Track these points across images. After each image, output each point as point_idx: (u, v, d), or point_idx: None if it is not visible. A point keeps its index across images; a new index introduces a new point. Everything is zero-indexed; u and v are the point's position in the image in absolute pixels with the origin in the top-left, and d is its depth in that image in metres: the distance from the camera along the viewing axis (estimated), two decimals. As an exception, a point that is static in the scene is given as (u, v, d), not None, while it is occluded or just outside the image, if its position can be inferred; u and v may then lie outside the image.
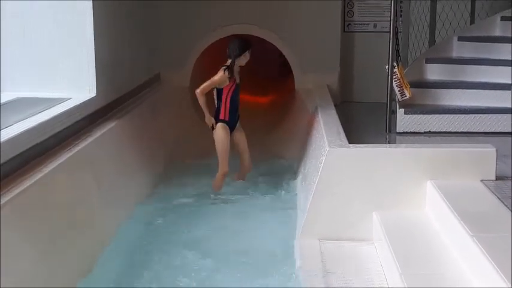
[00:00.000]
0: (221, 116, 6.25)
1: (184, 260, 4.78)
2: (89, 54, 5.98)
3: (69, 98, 5.78)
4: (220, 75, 6.18)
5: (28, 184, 4.18)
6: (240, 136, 6.49)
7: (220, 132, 6.24)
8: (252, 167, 6.59)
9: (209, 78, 6.28)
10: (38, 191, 4.24)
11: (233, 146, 6.46)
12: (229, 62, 6.27)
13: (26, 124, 4.75)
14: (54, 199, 4.46)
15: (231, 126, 6.32)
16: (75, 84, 5.99)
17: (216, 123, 6.24)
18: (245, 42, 6.35)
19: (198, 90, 6.17)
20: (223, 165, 6.24)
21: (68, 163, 4.81)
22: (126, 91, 7.11)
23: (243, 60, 6.32)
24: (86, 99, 5.86)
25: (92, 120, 5.89)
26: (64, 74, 5.98)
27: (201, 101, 6.16)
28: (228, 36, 8.82)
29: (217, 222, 5.58)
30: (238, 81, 6.31)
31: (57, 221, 4.40)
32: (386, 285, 4.12)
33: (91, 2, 5.92)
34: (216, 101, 6.29)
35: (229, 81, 6.22)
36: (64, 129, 5.24)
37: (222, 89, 6.22)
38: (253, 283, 4.40)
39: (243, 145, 6.49)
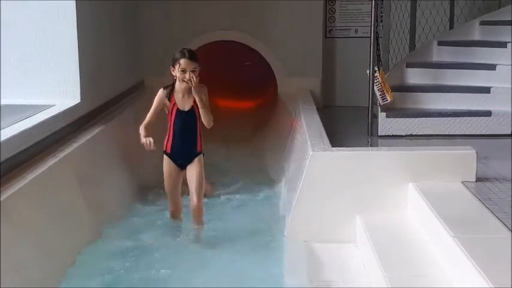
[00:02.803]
0: (163, 146, 5.40)
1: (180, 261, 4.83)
2: (72, 60, 5.98)
3: (53, 105, 5.78)
4: (158, 94, 5.40)
5: (12, 191, 4.17)
6: (191, 172, 5.37)
7: (164, 165, 5.42)
8: (202, 212, 5.48)
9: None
10: (21, 198, 4.24)
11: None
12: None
13: (9, 131, 4.74)
14: (39, 206, 4.46)
15: (175, 159, 5.36)
16: (59, 91, 5.99)
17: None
18: (181, 51, 5.21)
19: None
20: (169, 204, 5.51)
21: (52, 169, 4.81)
22: (110, 97, 7.11)
23: (177, 73, 5.20)
24: (70, 105, 5.86)
25: (76, 126, 5.89)
26: (48, 81, 5.98)
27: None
28: (211, 43, 8.89)
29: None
30: (186, 104, 5.26)
31: (42, 228, 4.40)
32: (370, 287, 4.16)
33: (75, 9, 5.93)
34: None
35: (169, 101, 5.31)
36: (48, 136, 5.24)
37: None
38: (239, 283, 4.44)
39: (193, 184, 5.37)
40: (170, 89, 5.30)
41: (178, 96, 5.28)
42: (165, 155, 5.38)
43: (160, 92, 5.35)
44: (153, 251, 5.03)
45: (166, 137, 5.34)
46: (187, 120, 5.29)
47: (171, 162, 5.36)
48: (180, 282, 4.48)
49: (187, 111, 5.28)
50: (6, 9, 5.88)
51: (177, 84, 5.26)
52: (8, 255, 3.82)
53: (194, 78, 5.21)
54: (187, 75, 5.13)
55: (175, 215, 5.50)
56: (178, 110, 5.27)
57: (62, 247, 4.57)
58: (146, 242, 5.20)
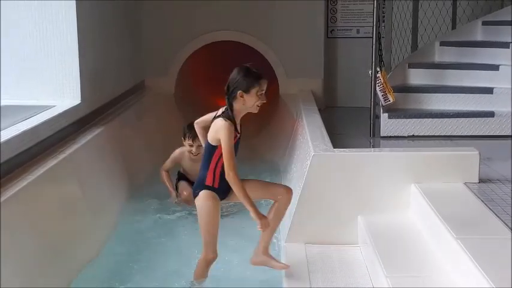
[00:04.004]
0: (208, 182, 4.24)
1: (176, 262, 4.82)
2: (73, 61, 5.97)
3: (54, 106, 5.77)
4: (226, 129, 4.09)
5: (12, 192, 4.16)
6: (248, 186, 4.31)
7: (205, 204, 4.24)
8: None
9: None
10: (22, 199, 4.22)
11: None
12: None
13: (10, 132, 4.73)
14: (39, 207, 4.44)
15: (222, 193, 4.30)
16: (59, 92, 5.98)
17: (200, 190, 4.26)
18: (250, 71, 4.24)
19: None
20: (208, 250, 4.30)
21: (53, 170, 4.79)
22: (111, 98, 7.10)
23: (253, 99, 4.15)
24: (71, 106, 5.85)
25: (76, 127, 5.88)
26: (48, 81, 5.97)
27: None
28: (212, 43, 8.87)
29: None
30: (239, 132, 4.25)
31: (42, 229, 4.38)
32: (372, 288, 4.14)
33: (75, 10, 5.91)
34: (204, 158, 4.30)
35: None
36: (49, 136, 5.23)
37: (217, 146, 4.17)
38: (239, 284, 4.41)
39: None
40: (231, 118, 4.14)
41: (237, 125, 4.22)
42: (207, 192, 4.24)
43: (231, 129, 4.11)
44: (156, 249, 5.04)
45: (211, 170, 4.22)
46: (237, 148, 4.26)
47: (216, 198, 4.26)
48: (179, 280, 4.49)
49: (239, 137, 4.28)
50: (6, 9, 5.86)
51: (237, 112, 4.17)
52: (9, 257, 3.80)
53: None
54: (264, 97, 4.20)
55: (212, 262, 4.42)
56: (238, 140, 4.22)
57: (63, 249, 4.55)
58: (150, 241, 5.21)
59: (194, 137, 5.87)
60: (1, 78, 5.90)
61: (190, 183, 6.16)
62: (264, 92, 4.17)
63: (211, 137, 4.16)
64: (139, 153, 7.03)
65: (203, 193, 4.22)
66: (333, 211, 4.91)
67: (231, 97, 4.12)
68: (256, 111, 4.23)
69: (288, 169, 6.47)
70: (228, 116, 4.10)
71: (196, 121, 4.58)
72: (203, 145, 4.44)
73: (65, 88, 6.00)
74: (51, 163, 4.87)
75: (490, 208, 4.21)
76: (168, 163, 6.29)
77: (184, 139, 6.12)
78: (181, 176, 6.36)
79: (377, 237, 4.46)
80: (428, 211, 4.33)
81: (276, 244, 5.04)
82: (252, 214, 4.10)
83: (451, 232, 3.81)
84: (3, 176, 4.35)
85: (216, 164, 4.17)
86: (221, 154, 4.11)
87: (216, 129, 4.13)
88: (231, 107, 4.12)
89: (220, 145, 4.09)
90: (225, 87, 4.15)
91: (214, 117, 4.20)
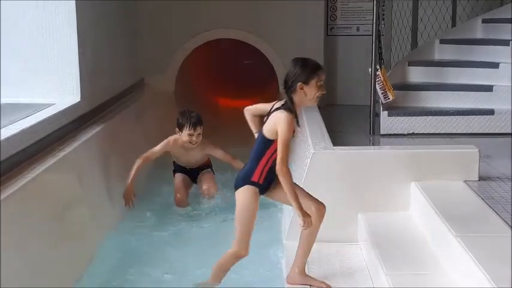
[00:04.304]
0: (254, 177, 4.08)
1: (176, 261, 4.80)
2: (72, 59, 5.96)
3: (53, 103, 5.76)
4: (287, 120, 3.92)
5: (12, 190, 4.15)
6: None
7: (247, 200, 4.09)
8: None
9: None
10: (22, 197, 4.21)
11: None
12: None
13: (9, 130, 4.72)
14: (39, 205, 4.44)
15: (263, 190, 4.15)
16: (59, 89, 5.97)
17: (244, 184, 4.10)
18: (311, 62, 4.18)
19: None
20: (241, 246, 4.17)
21: (52, 168, 4.78)
22: (111, 96, 7.09)
23: (312, 91, 4.03)
24: (70, 104, 5.84)
25: (76, 125, 5.87)
26: (48, 79, 5.96)
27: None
28: (212, 41, 8.87)
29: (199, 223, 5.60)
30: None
31: (42, 227, 4.37)
32: (371, 286, 4.14)
33: (75, 7, 5.90)
34: (255, 152, 4.09)
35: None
36: (48, 134, 5.22)
37: (273, 140, 3.98)
38: (239, 283, 4.41)
39: None
40: (292, 110, 3.98)
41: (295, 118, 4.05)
42: (252, 188, 4.09)
43: (292, 121, 3.96)
44: (159, 246, 5.04)
45: (260, 166, 4.06)
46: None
47: (257, 195, 4.13)
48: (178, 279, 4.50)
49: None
50: (6, 7, 5.85)
51: (297, 105, 4.03)
52: (8, 255, 3.79)
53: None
54: (323, 89, 4.08)
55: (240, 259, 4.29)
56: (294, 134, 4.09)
57: (63, 248, 4.55)
58: (151, 238, 5.21)
59: (195, 125, 5.83)
60: (1, 76, 5.89)
61: (187, 175, 6.22)
62: (322, 82, 4.05)
63: (268, 130, 3.98)
64: (139, 151, 7.01)
65: (247, 188, 4.07)
66: (333, 209, 4.88)
67: (290, 90, 3.99)
68: (315, 103, 4.11)
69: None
70: (289, 108, 3.95)
71: (246, 108, 4.42)
72: (255, 133, 4.26)
73: (64, 86, 5.99)
74: (50, 161, 4.86)
75: (490, 206, 4.21)
76: (157, 151, 5.95)
77: (182, 128, 5.90)
78: (178, 167, 6.26)
79: (377, 235, 4.46)
80: (428, 209, 4.33)
81: (277, 242, 5.04)
82: (297, 211, 3.94)
83: (451, 230, 3.81)
84: (3, 174, 4.34)
85: (268, 160, 4.02)
86: (275, 150, 3.94)
87: (275, 121, 3.95)
88: (291, 100, 3.97)
89: (277, 140, 3.92)
90: (283, 81, 4.04)
91: (271, 110, 4.03)
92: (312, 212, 4.07)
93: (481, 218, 4.07)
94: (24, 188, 4.27)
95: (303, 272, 4.20)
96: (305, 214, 3.95)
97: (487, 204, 4.25)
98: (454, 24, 7.85)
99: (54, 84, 5.97)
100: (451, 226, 3.86)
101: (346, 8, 8.73)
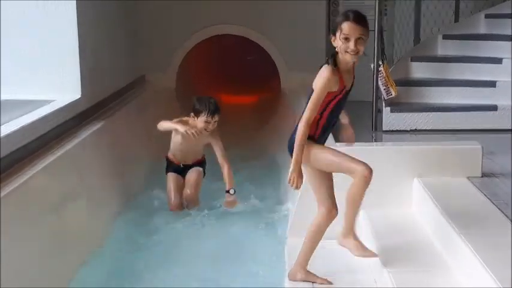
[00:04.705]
0: (310, 132, 3.91)
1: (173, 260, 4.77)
2: (73, 55, 5.94)
3: (54, 100, 5.74)
4: (322, 73, 3.84)
5: (12, 187, 4.14)
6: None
7: (312, 150, 3.92)
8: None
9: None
10: (22, 194, 4.20)
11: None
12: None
13: (10, 127, 4.71)
14: (39, 202, 4.42)
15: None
16: (59, 86, 5.95)
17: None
18: (345, 13, 3.89)
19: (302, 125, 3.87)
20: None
21: (53, 165, 4.77)
22: (111, 93, 7.08)
23: (338, 42, 3.83)
24: (71, 100, 5.82)
25: (76, 122, 5.85)
26: (48, 76, 5.94)
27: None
28: (214, 37, 8.84)
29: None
30: (349, 84, 4.02)
31: (42, 224, 4.36)
32: (374, 284, 4.11)
33: (75, 4, 5.88)
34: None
35: (338, 86, 3.92)
36: (49, 131, 5.21)
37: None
38: (242, 282, 4.39)
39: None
40: (334, 65, 3.87)
41: (345, 74, 3.97)
42: (309, 142, 3.90)
43: (330, 73, 3.83)
44: (158, 244, 5.03)
45: (317, 121, 3.93)
46: (344, 103, 4.04)
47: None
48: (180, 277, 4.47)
49: (349, 90, 4.03)
50: (6, 4, 5.82)
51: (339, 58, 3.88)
52: (8, 252, 3.77)
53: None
54: (351, 45, 3.80)
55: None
56: (345, 92, 3.99)
57: (63, 244, 4.53)
58: (151, 237, 5.19)
59: (214, 112, 5.65)
60: (1, 73, 5.87)
61: (179, 173, 5.99)
62: (348, 37, 3.75)
63: (315, 82, 3.87)
64: (139, 148, 7.00)
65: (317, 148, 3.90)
66: (334, 206, 4.87)
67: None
68: (351, 60, 3.85)
69: (289, 163, 6.42)
70: (332, 60, 3.80)
71: None
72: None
73: (65, 82, 5.97)
74: (51, 158, 4.85)
75: (493, 202, 4.19)
76: (168, 123, 5.79)
77: (199, 114, 5.67)
78: (171, 165, 6.04)
79: (379, 231, 4.44)
80: (431, 205, 4.31)
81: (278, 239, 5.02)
82: (292, 166, 3.75)
83: (454, 227, 3.79)
84: (3, 171, 4.33)
85: (321, 114, 3.87)
86: (327, 103, 3.82)
87: (321, 71, 3.83)
88: (335, 53, 3.81)
89: (328, 94, 3.79)
90: None
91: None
92: (322, 213, 4.00)
93: (484, 214, 4.04)
94: (24, 185, 4.26)
95: (304, 269, 4.15)
96: (296, 171, 3.74)
97: (490, 200, 4.22)
98: (457, 20, 7.81)
99: (54, 81, 5.96)
100: (454, 223, 3.83)
101: (348, 3, 8.68)
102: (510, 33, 6.77)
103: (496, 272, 3.14)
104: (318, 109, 3.80)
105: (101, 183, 5.61)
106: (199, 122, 5.67)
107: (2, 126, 4.67)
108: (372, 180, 3.90)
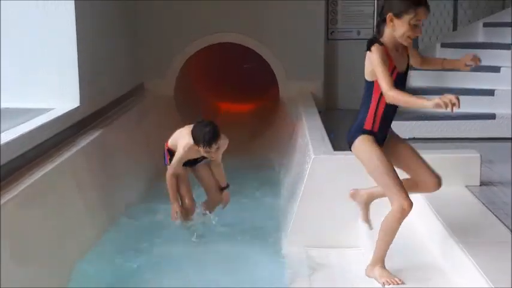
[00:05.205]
0: (367, 125, 3.79)
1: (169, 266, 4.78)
2: (71, 63, 5.94)
3: (53, 108, 5.75)
4: (373, 51, 3.58)
5: (10, 196, 4.13)
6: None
7: (366, 149, 3.76)
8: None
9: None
10: (20, 203, 4.19)
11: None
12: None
13: (9, 135, 4.71)
14: (37, 210, 4.42)
15: (380, 141, 3.80)
16: (58, 94, 5.95)
17: (357, 136, 3.81)
18: None
19: None
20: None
21: (51, 173, 4.77)
22: (110, 101, 7.07)
23: (403, 27, 3.57)
24: (69, 109, 5.82)
25: (75, 130, 5.85)
26: (47, 84, 5.94)
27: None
28: (212, 45, 8.84)
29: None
30: (401, 65, 3.71)
31: (41, 232, 4.35)
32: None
33: (73, 11, 5.89)
34: (363, 99, 3.82)
35: (387, 64, 3.59)
36: (47, 139, 5.21)
37: (373, 82, 3.69)
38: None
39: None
40: (377, 41, 3.61)
41: (393, 53, 3.66)
42: (367, 136, 3.76)
43: (380, 49, 3.57)
44: (155, 255, 5.00)
45: (371, 111, 3.75)
46: (403, 86, 3.71)
47: (375, 142, 3.75)
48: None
49: (404, 73, 3.75)
50: (5, 10, 5.83)
51: (388, 39, 3.62)
52: (7, 259, 3.77)
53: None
54: (420, 30, 3.64)
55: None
56: (398, 74, 3.66)
57: (60, 252, 4.52)
58: (147, 246, 5.16)
59: (210, 143, 5.14)
60: (0, 81, 5.88)
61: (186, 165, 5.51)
62: (420, 23, 3.56)
63: (367, 71, 3.66)
64: (138, 156, 6.99)
65: (362, 138, 3.72)
66: (333, 214, 4.88)
67: (381, 19, 3.58)
68: (406, 44, 3.64)
69: (288, 172, 6.44)
70: (376, 40, 3.58)
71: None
72: None
73: (64, 90, 5.97)
74: (50, 166, 4.85)
75: (491, 211, 4.19)
76: (178, 164, 5.32)
77: (198, 144, 5.20)
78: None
79: (378, 240, 4.42)
80: (429, 214, 4.30)
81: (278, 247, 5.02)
82: (429, 104, 3.47)
83: (453, 235, 3.79)
84: (3, 179, 4.33)
85: (377, 104, 3.68)
86: (381, 92, 3.57)
87: (367, 60, 3.62)
88: (378, 29, 3.61)
89: (377, 81, 3.56)
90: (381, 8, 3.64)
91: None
92: (392, 211, 3.69)
93: (483, 223, 4.05)
94: (23, 193, 4.25)
95: (381, 266, 3.83)
96: (437, 101, 3.45)
97: (489, 209, 4.22)
98: (455, 28, 7.84)
99: (53, 89, 5.96)
100: (452, 231, 3.83)
101: (346, 11, 8.71)
102: (508, 42, 6.79)
103: (493, 280, 3.14)
104: (387, 78, 3.51)
105: (99, 191, 5.59)
106: (201, 151, 5.25)
107: (1, 135, 4.67)
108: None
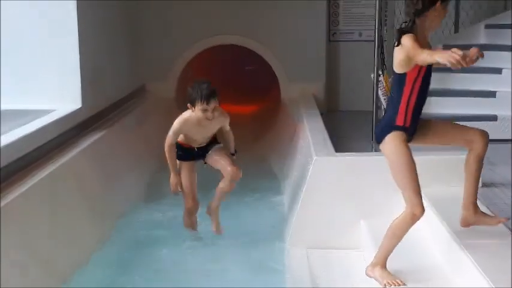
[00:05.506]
0: (398, 121, 3.72)
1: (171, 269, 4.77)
2: (73, 65, 5.96)
3: (54, 110, 5.75)
4: (404, 38, 3.58)
5: (11, 198, 4.14)
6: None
7: (397, 148, 3.68)
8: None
9: None
10: (21, 205, 4.19)
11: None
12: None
13: (11, 137, 4.71)
14: (39, 211, 4.42)
15: (410, 135, 3.79)
16: (60, 96, 5.96)
17: (387, 132, 3.73)
18: None
19: None
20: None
21: (53, 175, 4.77)
22: (111, 102, 7.09)
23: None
24: (71, 110, 5.83)
25: (77, 131, 5.86)
26: (49, 86, 5.96)
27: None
28: (214, 47, 8.85)
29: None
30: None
31: (42, 233, 4.35)
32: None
33: (76, 14, 5.90)
34: (394, 94, 3.76)
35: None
36: (49, 141, 5.22)
37: (405, 74, 3.68)
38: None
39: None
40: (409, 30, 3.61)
41: (424, 42, 3.70)
42: (399, 133, 3.70)
43: (411, 36, 3.57)
44: (156, 257, 5.00)
45: (405, 107, 3.71)
46: (429, 83, 3.79)
47: (404, 139, 3.70)
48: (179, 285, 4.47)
49: (431, 66, 3.76)
50: (6, 11, 5.84)
51: (418, 32, 3.66)
52: (8, 260, 3.77)
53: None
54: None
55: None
56: (427, 67, 3.73)
57: (62, 254, 4.52)
58: (150, 247, 5.16)
59: (208, 97, 4.93)
60: (1, 83, 5.89)
61: (193, 158, 5.28)
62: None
63: (396, 63, 3.64)
64: (140, 157, 7.00)
65: (392, 135, 3.66)
66: (335, 215, 4.88)
67: (418, 11, 3.60)
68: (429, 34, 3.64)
69: (289, 173, 6.44)
70: (407, 28, 3.57)
71: None
72: None
73: (65, 92, 5.99)
74: (51, 168, 4.86)
75: (492, 212, 4.18)
76: (174, 135, 5.11)
77: (194, 104, 5.00)
78: (183, 152, 5.24)
79: (380, 241, 4.41)
80: (431, 215, 4.30)
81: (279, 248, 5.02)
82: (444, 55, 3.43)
83: (454, 236, 3.79)
84: (4, 181, 4.33)
85: (409, 97, 3.66)
86: (413, 82, 3.60)
87: (397, 51, 3.60)
88: (414, 17, 3.61)
89: (410, 70, 3.57)
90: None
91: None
92: (404, 214, 3.70)
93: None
94: (25, 195, 4.26)
95: (382, 267, 3.83)
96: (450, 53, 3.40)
97: (490, 210, 4.21)
98: (456, 30, 7.83)
99: (55, 91, 5.97)
100: (454, 232, 3.82)
101: (348, 13, 8.71)
102: (510, 44, 6.78)
103: (495, 281, 3.13)
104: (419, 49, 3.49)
105: (100, 192, 5.59)
106: (197, 112, 5.01)
107: (3, 136, 4.67)
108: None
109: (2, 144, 4.46)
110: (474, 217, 3.89)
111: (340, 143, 5.97)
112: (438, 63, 3.57)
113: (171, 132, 5.11)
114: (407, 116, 3.69)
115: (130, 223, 5.74)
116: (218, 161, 5.21)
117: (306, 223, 4.92)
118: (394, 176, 3.71)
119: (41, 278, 4.12)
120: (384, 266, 3.84)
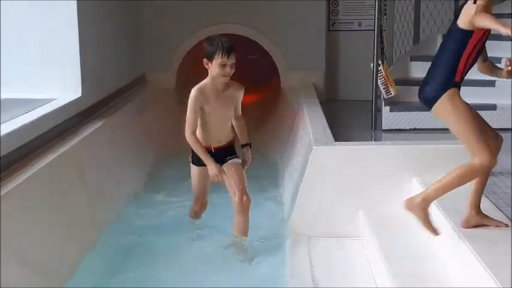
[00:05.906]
0: (458, 77, 3.69)
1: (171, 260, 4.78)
2: (74, 54, 5.95)
3: (55, 99, 5.76)
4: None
5: (12, 186, 4.15)
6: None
7: (457, 106, 3.66)
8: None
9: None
10: (21, 194, 4.20)
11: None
12: None
13: (11, 126, 4.72)
14: (39, 200, 4.43)
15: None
16: (60, 85, 5.96)
17: (443, 91, 3.68)
18: None
19: None
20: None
21: (54, 164, 4.78)
22: (112, 92, 7.09)
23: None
24: (71, 99, 5.83)
25: (77, 120, 5.86)
26: (49, 74, 5.95)
27: None
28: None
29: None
30: None
31: (42, 223, 4.37)
32: (373, 284, 4.12)
33: (76, 2, 5.89)
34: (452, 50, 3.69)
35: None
36: (49, 129, 5.22)
37: (472, 32, 3.62)
38: (244, 280, 4.39)
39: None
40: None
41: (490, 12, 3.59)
42: (455, 90, 3.69)
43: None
44: (156, 246, 5.01)
45: (464, 64, 3.67)
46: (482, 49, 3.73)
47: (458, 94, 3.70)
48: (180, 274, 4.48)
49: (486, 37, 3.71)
50: (5, 2, 5.84)
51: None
52: (8, 250, 3.78)
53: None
54: None
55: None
56: (488, 33, 3.64)
57: (64, 243, 4.54)
58: (150, 237, 5.17)
59: (229, 51, 4.58)
60: (1, 71, 5.88)
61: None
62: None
63: (467, 20, 3.57)
64: (140, 147, 7.01)
65: (450, 94, 3.60)
66: (334, 204, 4.90)
67: None
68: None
69: (289, 162, 6.46)
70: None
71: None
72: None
73: (66, 81, 5.98)
74: (51, 157, 4.86)
75: (491, 201, 4.20)
76: (193, 114, 4.70)
77: (212, 57, 4.60)
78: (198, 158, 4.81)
79: (379, 230, 4.45)
80: (431, 207, 4.31)
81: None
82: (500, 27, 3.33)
83: (453, 225, 3.80)
84: (4, 170, 4.34)
85: (469, 55, 3.60)
86: (477, 42, 3.55)
87: (468, 8, 3.58)
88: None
89: (479, 30, 3.50)
90: None
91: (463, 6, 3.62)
92: (477, 163, 3.58)
93: (484, 213, 4.05)
94: (25, 184, 4.27)
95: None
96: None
97: (489, 199, 4.23)
98: (456, 18, 7.81)
99: (55, 80, 5.97)
100: (453, 222, 3.84)
101: (348, 2, 8.71)
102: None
103: (494, 270, 3.15)
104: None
105: (101, 181, 5.61)
106: (214, 68, 4.63)
107: (3, 125, 4.68)
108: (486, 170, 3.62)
109: (3, 133, 4.46)
110: (476, 218, 3.87)
111: (340, 132, 5.99)
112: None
113: (188, 112, 4.71)
114: (465, 72, 3.65)
115: (131, 211, 5.75)
116: (230, 180, 4.84)
117: (306, 212, 4.95)
118: (459, 133, 3.62)
119: (42, 266, 4.13)
120: (427, 207, 3.73)
